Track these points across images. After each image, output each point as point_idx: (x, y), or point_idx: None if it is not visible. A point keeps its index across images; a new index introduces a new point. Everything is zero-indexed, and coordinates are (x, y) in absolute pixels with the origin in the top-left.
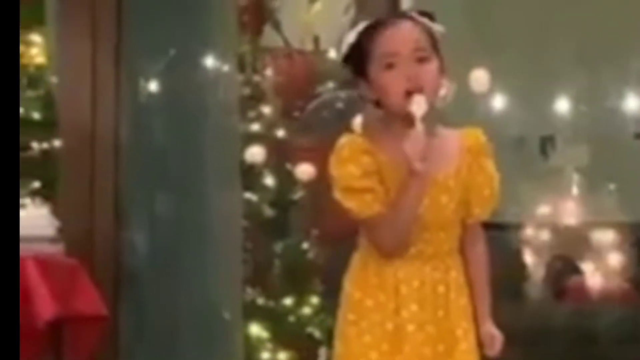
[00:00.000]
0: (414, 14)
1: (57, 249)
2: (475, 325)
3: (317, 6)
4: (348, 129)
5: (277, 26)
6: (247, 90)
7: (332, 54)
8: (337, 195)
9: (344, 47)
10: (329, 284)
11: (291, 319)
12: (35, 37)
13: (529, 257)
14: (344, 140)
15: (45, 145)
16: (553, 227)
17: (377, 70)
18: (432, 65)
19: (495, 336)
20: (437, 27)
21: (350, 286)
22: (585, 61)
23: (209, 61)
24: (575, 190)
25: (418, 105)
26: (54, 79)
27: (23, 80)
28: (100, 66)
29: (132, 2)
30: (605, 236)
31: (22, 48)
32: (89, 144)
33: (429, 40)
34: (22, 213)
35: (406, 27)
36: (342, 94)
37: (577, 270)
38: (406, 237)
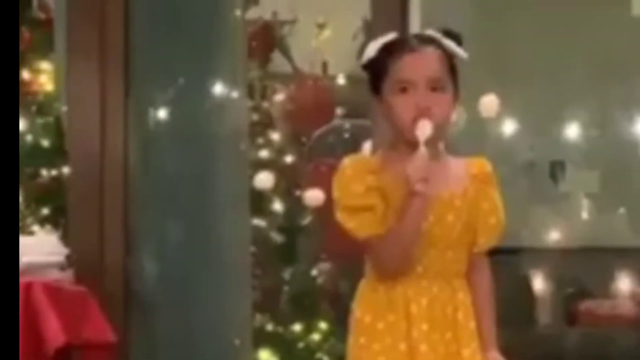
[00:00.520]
0: (439, 36)
1: (66, 276)
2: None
3: (326, 32)
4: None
5: (286, 52)
6: (255, 117)
7: (341, 79)
8: (338, 215)
9: (365, 57)
10: (338, 310)
11: (300, 345)
12: (45, 65)
13: (539, 282)
14: (347, 160)
15: (54, 172)
16: (563, 251)
17: (390, 92)
18: (446, 96)
19: None
20: (461, 52)
21: (359, 311)
22: (596, 86)
23: (218, 88)
24: (585, 215)
25: (423, 130)
26: (63, 107)
27: (32, 108)
28: (109, 94)
29: (140, 30)
30: (615, 261)
31: (31, 75)
32: (98, 171)
33: (447, 67)
34: (32, 240)
35: (426, 54)
36: (348, 124)
37: (588, 295)
38: (406, 257)
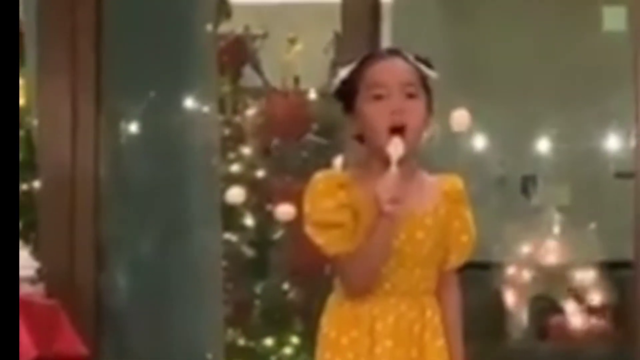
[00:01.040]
0: (408, 55)
1: (37, 290)
2: None
3: (297, 47)
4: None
5: (257, 67)
6: (227, 131)
7: (313, 94)
8: (308, 230)
9: (336, 82)
10: (309, 324)
11: (272, 359)
12: None
13: (510, 297)
14: (319, 175)
15: (25, 186)
16: (534, 266)
17: (364, 102)
18: (419, 103)
19: None
20: (431, 74)
21: (326, 326)
22: (566, 101)
23: (189, 102)
24: (556, 229)
25: (395, 148)
26: (34, 121)
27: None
28: (80, 108)
29: (112, 44)
30: (586, 275)
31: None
32: (69, 185)
33: (419, 78)
34: None
35: (397, 61)
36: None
37: (558, 310)
38: (373, 276)
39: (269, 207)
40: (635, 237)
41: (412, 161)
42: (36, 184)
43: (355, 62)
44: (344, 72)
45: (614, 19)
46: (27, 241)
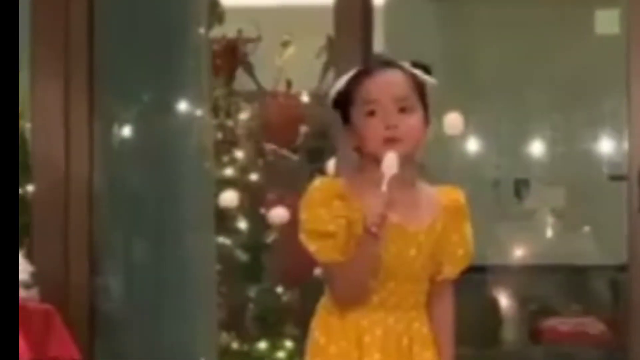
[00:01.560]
0: (406, 65)
1: (31, 294)
2: None
3: (290, 50)
4: (321, 171)
5: (250, 70)
6: (220, 135)
7: (305, 97)
8: (302, 237)
9: (333, 93)
10: (303, 328)
11: None
12: None
13: (504, 300)
14: (317, 183)
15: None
16: (528, 269)
17: (359, 116)
18: (414, 117)
19: None
20: (430, 80)
21: (316, 331)
22: (559, 104)
23: (182, 106)
24: (550, 232)
25: (389, 165)
26: (27, 124)
27: None
28: (74, 111)
29: (105, 48)
30: (579, 278)
31: None
32: (63, 189)
33: (416, 90)
34: None
35: (392, 75)
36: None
37: (552, 313)
38: (359, 290)
39: (262, 210)
40: (629, 240)
41: (409, 173)
42: (29, 188)
43: (351, 73)
44: (339, 84)
45: (607, 22)
46: (20, 245)
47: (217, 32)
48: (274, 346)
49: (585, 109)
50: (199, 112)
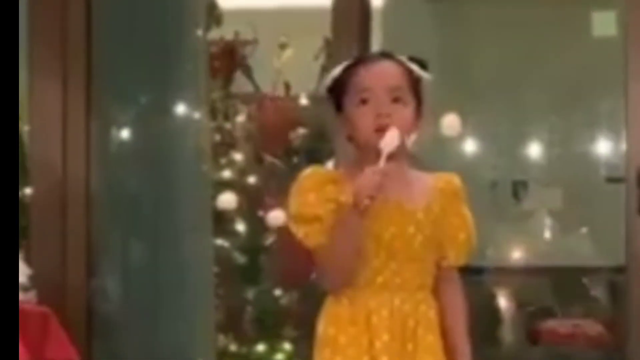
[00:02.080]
0: (401, 57)
1: (28, 297)
2: None
3: (288, 52)
4: None
5: (247, 72)
6: (218, 137)
7: (304, 99)
8: (290, 225)
9: (328, 81)
10: (301, 330)
11: None
12: None
13: (502, 301)
14: (307, 171)
15: None
16: (525, 270)
17: (351, 105)
18: (407, 108)
19: None
20: (424, 75)
21: (324, 323)
22: (556, 106)
23: (180, 108)
24: (547, 233)
25: (387, 141)
26: (25, 127)
27: None
28: (71, 114)
29: (103, 50)
30: (578, 279)
31: None
32: (60, 192)
33: (409, 82)
34: None
35: (387, 65)
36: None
37: (550, 314)
38: (347, 270)
39: (260, 212)
40: (626, 241)
41: (400, 161)
42: (27, 190)
43: (347, 62)
44: (336, 71)
45: (604, 24)
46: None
47: (214, 34)
48: (272, 348)
49: (583, 110)
50: (196, 114)
